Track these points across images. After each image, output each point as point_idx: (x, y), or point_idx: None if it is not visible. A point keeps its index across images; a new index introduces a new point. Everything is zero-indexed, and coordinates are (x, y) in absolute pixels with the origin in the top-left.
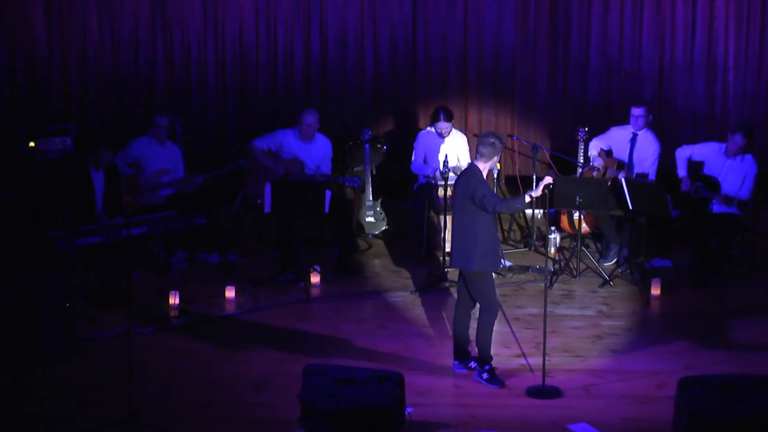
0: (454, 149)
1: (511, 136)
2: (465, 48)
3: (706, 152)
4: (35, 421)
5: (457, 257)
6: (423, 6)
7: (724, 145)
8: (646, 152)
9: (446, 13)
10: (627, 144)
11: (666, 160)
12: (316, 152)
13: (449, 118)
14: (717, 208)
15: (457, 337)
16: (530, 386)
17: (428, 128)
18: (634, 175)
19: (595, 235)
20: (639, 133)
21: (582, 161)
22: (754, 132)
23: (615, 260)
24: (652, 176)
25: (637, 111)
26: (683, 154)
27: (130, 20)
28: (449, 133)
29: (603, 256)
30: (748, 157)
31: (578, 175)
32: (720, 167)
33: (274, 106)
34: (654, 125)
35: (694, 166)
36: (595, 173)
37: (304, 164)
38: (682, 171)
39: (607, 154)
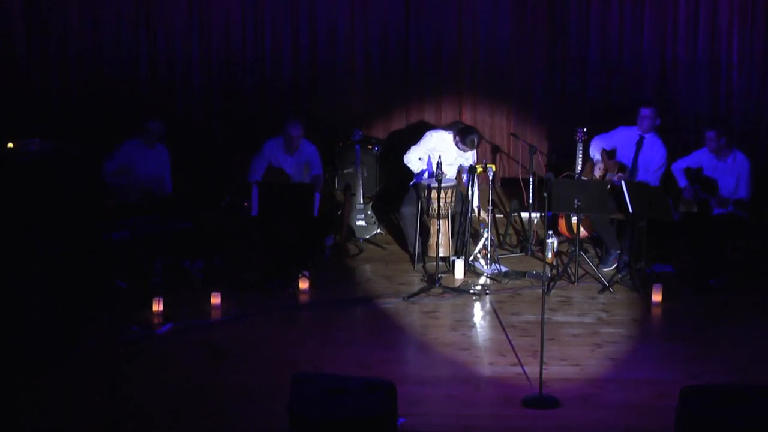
0: (464, 160)
1: (512, 134)
2: (459, 45)
3: (699, 159)
4: None
5: None
6: (416, 2)
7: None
8: (653, 158)
9: (439, 8)
10: (633, 146)
11: (668, 163)
12: (300, 163)
13: (477, 146)
14: (716, 210)
15: None
16: (527, 396)
17: (443, 131)
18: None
19: (594, 239)
20: (646, 136)
21: (580, 163)
22: (726, 123)
23: (614, 266)
24: (654, 184)
25: (645, 111)
26: (679, 166)
27: (112, 18)
28: None
29: (602, 261)
30: (739, 155)
31: (577, 176)
32: (713, 170)
33: (261, 106)
34: (657, 126)
35: (692, 171)
36: (596, 172)
37: (289, 177)
38: (682, 182)
39: (609, 155)
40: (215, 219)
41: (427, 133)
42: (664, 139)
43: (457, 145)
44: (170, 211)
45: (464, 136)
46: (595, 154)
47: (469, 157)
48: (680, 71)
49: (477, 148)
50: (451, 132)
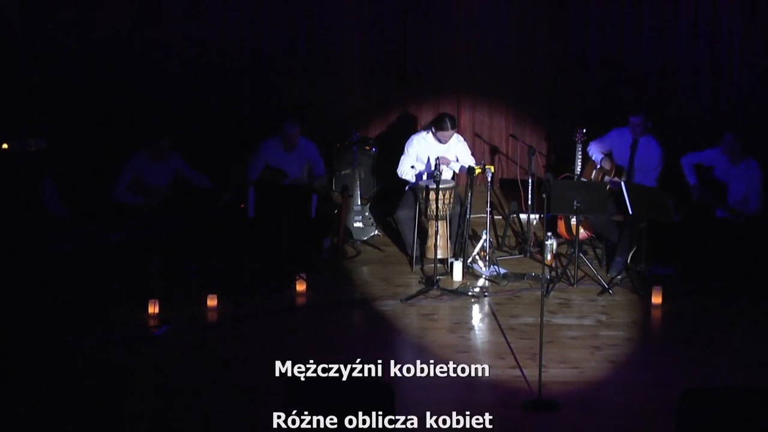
0: (453, 153)
1: (511, 135)
2: (458, 45)
3: (712, 158)
4: None
5: None
6: (414, 2)
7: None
8: (649, 158)
9: (438, 8)
10: (628, 149)
11: (668, 162)
12: (299, 160)
13: (455, 126)
14: (720, 212)
15: None
16: (526, 399)
17: (423, 132)
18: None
19: (594, 241)
20: (640, 139)
21: (580, 164)
22: (747, 133)
23: (623, 270)
24: (652, 185)
25: (635, 120)
26: (689, 161)
27: (108, 18)
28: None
29: (610, 267)
30: (753, 164)
31: (577, 177)
32: (726, 174)
33: (258, 107)
34: (656, 126)
35: (702, 170)
36: (596, 171)
37: (287, 175)
38: (692, 179)
39: (607, 157)
40: (212, 220)
41: (408, 139)
42: (660, 139)
43: (435, 136)
44: (166, 212)
45: (438, 123)
46: (595, 154)
47: (462, 150)
48: (680, 71)
49: (455, 129)
50: (429, 131)
